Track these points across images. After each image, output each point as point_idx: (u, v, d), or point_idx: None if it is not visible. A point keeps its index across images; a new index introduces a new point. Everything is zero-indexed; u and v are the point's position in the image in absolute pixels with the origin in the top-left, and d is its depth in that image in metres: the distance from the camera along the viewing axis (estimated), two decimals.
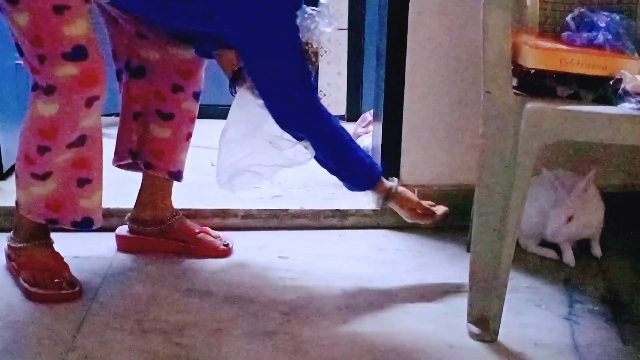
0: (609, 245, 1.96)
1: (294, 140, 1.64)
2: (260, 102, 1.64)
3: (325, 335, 1.49)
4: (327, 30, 1.61)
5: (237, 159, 1.70)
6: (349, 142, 1.70)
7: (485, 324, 1.48)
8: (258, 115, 1.66)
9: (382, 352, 1.42)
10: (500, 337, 1.48)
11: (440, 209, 1.78)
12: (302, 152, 1.66)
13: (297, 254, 1.89)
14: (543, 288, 1.72)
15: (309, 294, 1.67)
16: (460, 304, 1.62)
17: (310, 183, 2.27)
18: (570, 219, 1.80)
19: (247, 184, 1.73)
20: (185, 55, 1.73)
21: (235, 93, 1.69)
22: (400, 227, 2.05)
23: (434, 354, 1.43)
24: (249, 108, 1.67)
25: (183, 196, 1.93)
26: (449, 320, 1.56)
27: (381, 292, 1.70)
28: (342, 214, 2.09)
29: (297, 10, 1.58)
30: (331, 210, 2.09)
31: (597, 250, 1.90)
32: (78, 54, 1.47)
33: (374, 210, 2.09)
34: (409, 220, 1.80)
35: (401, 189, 1.78)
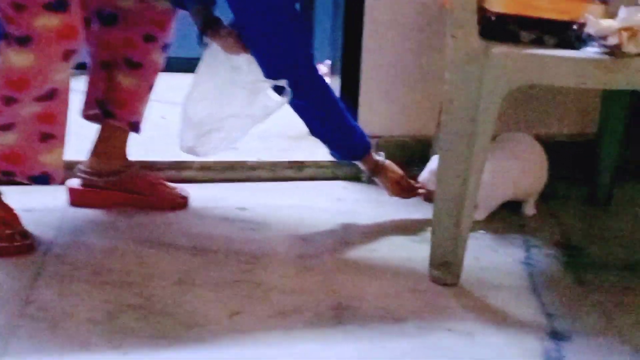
0: (560, 193, 2.01)
1: (270, 80, 1.61)
2: (235, 63, 1.60)
3: (289, 283, 1.48)
4: None
5: (203, 116, 1.66)
6: (343, 110, 1.70)
7: (447, 269, 1.49)
8: (230, 71, 1.62)
9: (346, 298, 1.43)
10: (461, 281, 1.50)
11: (420, 188, 1.81)
12: (278, 97, 1.63)
13: (256, 205, 1.87)
14: (500, 234, 1.75)
15: (270, 243, 1.65)
16: (421, 250, 1.64)
17: (266, 135, 2.24)
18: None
19: (214, 147, 1.70)
20: (160, 4, 1.68)
21: (203, 43, 1.65)
22: (357, 178, 2.05)
23: (398, 298, 1.44)
24: (219, 69, 1.63)
25: (136, 149, 1.87)
26: (411, 265, 1.57)
27: (342, 241, 1.70)
28: (299, 165, 2.07)
29: None
30: (288, 161, 2.07)
31: (529, 210, 1.87)
32: (60, 4, 1.41)
33: (331, 161, 2.08)
34: (391, 195, 1.81)
35: (387, 162, 1.78)
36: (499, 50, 1.36)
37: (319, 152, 2.15)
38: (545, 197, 1.92)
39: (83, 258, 1.53)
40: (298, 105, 1.64)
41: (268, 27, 1.58)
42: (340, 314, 1.37)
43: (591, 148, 2.08)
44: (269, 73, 1.61)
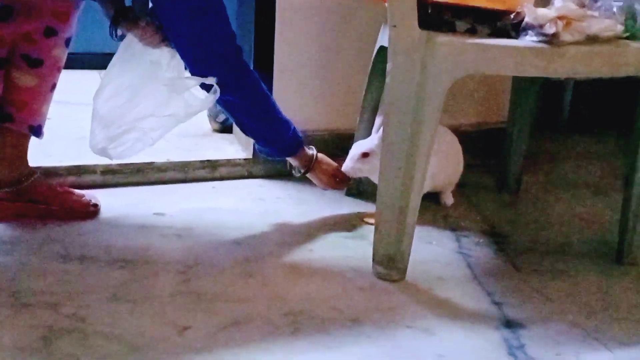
0: (474, 181, 2.05)
1: (198, 78, 1.49)
2: (153, 57, 1.47)
3: (232, 291, 1.39)
4: None
5: (116, 115, 1.52)
6: (273, 103, 1.62)
7: (392, 264, 1.46)
8: (149, 66, 1.49)
9: (296, 303, 1.36)
10: None
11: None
12: (204, 94, 1.52)
13: (174, 209, 1.75)
14: (428, 226, 1.75)
15: (200, 250, 1.55)
16: (357, 246, 1.61)
17: (169, 135, 2.11)
18: (365, 155, 1.71)
19: (129, 149, 1.56)
20: None
21: (117, 36, 1.50)
22: (274, 175, 2.00)
23: (348, 298, 1.39)
24: (136, 64, 1.50)
25: (29, 153, 1.69)
26: (352, 263, 1.53)
27: (275, 241, 1.62)
28: (213, 164, 1.97)
29: None
30: (200, 161, 1.96)
31: (448, 200, 1.89)
32: None
33: (245, 159, 1.99)
34: (324, 188, 1.75)
35: (320, 155, 1.72)
36: (443, 39, 1.34)
37: (230, 149, 2.07)
38: (459, 185, 1.94)
39: None
40: (228, 102, 1.55)
41: (192, 16, 1.46)
42: (294, 320, 1.29)
43: (497, 136, 2.14)
44: (196, 67, 1.50)
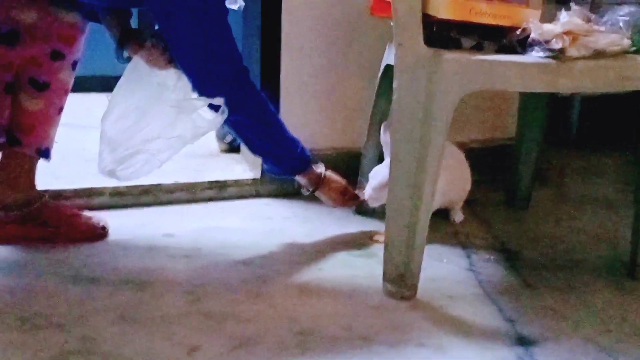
0: (483, 198, 2.04)
1: (205, 99, 1.49)
2: (160, 79, 1.48)
3: (241, 311, 1.38)
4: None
5: (124, 138, 1.52)
6: (280, 122, 1.62)
7: (402, 282, 1.45)
8: (155, 87, 1.49)
9: (305, 322, 1.34)
10: None
11: (360, 194, 1.76)
12: (212, 115, 1.52)
13: (182, 230, 1.75)
14: (437, 244, 1.74)
15: (209, 269, 1.54)
16: (365, 265, 1.60)
17: (176, 156, 2.11)
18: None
19: (137, 171, 1.56)
20: (68, 18, 1.52)
21: (123, 58, 1.51)
22: (281, 194, 2.00)
23: (358, 317, 1.38)
24: (142, 85, 1.50)
25: (37, 176, 1.69)
26: (360, 281, 1.52)
27: (283, 260, 1.62)
28: (220, 185, 1.97)
29: None
30: (208, 182, 1.97)
31: (457, 217, 1.88)
32: None
33: (252, 179, 1.99)
34: (333, 206, 1.75)
35: (329, 173, 1.71)
36: (450, 56, 1.34)
37: (237, 169, 2.08)
38: (468, 202, 1.93)
39: (2, 303, 1.35)
40: (235, 121, 1.55)
41: (198, 37, 1.47)
42: (304, 340, 1.28)
43: (504, 152, 2.13)
44: (202, 87, 1.50)
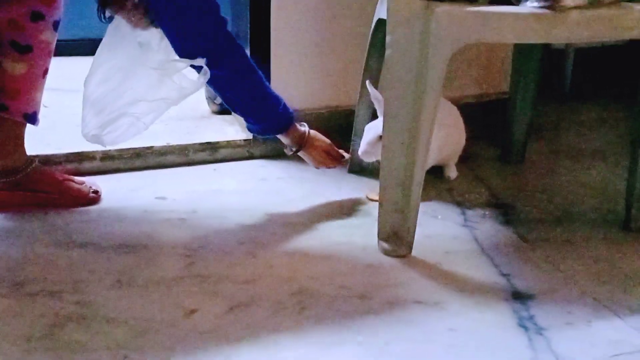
0: (477, 153, 2.03)
1: (187, 60, 1.46)
2: (143, 39, 1.44)
3: (238, 273, 1.37)
4: None
5: (107, 101, 1.49)
6: (262, 78, 1.58)
7: (397, 240, 1.45)
8: (138, 48, 1.46)
9: (302, 282, 1.34)
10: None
11: (345, 154, 1.74)
12: (194, 77, 1.49)
13: (176, 193, 1.74)
14: (432, 201, 1.73)
15: (204, 232, 1.54)
16: (361, 224, 1.59)
17: (165, 118, 2.09)
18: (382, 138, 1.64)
19: (122, 134, 1.53)
20: None
21: (105, 19, 1.47)
22: (274, 155, 1.97)
23: (355, 275, 1.38)
24: (125, 47, 1.47)
25: (27, 142, 1.67)
26: (357, 240, 1.52)
27: (279, 221, 1.61)
28: (213, 146, 1.95)
29: None
30: (200, 143, 1.94)
31: (452, 173, 1.87)
32: None
33: (245, 140, 1.97)
34: (317, 166, 1.72)
35: (313, 132, 1.68)
36: (443, 9, 1.31)
37: (229, 130, 2.05)
38: (462, 158, 1.92)
39: None
40: (216, 77, 1.50)
41: None
42: (301, 300, 1.28)
43: (498, 107, 2.11)
44: (182, 43, 1.46)
